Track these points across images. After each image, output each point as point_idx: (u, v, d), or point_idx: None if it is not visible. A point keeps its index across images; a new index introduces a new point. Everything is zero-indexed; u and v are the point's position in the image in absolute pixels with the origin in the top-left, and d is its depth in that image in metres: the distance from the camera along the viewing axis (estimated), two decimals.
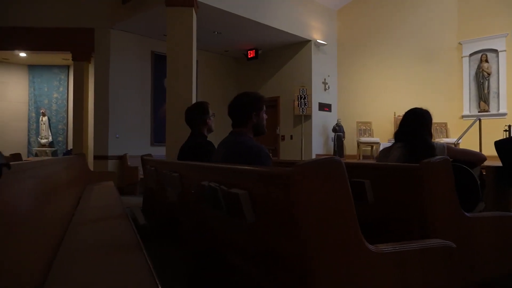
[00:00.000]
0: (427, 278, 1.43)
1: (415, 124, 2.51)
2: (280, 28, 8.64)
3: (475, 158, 2.43)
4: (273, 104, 10.12)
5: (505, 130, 6.39)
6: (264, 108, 2.27)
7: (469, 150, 2.68)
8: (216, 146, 2.38)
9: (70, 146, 9.94)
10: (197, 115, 2.98)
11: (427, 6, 9.52)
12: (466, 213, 1.96)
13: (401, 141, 2.54)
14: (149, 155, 7.32)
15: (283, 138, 9.96)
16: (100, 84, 7.98)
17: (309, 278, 1.18)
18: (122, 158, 8.23)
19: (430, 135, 2.53)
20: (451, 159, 2.06)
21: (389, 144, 2.66)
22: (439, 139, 8.71)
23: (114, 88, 8.08)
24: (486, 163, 2.54)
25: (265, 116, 2.28)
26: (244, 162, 1.93)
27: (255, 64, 10.40)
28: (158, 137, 8.73)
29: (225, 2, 7.27)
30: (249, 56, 10.00)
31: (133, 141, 8.43)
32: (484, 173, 2.57)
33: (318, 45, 9.62)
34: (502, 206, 2.61)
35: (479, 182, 2.29)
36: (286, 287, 1.31)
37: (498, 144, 2.60)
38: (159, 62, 8.74)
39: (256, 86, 10.60)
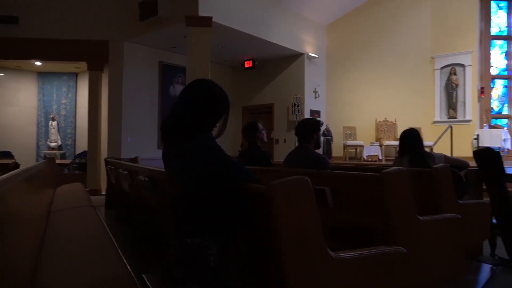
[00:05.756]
0: (384, 282, 1.60)
1: (413, 140, 3.51)
2: (277, 43, 9.56)
3: (463, 164, 3.47)
4: (268, 110, 11.07)
5: (474, 139, 7.53)
6: None
7: (459, 158, 3.72)
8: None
9: (78, 150, 10.49)
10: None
11: (405, 25, 10.71)
12: (420, 218, 2.22)
13: (406, 154, 3.51)
14: (137, 158, 8.03)
15: (277, 141, 10.91)
16: (114, 92, 8.64)
17: (285, 283, 1.34)
18: (134, 161, 8.91)
19: (423, 147, 3.55)
20: (449, 164, 3.09)
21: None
22: None
23: (126, 95, 8.76)
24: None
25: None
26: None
27: (251, 73, 11.27)
28: None
29: (233, 20, 8.13)
30: (246, 66, 10.87)
31: (143, 145, 9.12)
32: (467, 173, 3.62)
33: (310, 57, 10.64)
34: (478, 197, 3.66)
35: (464, 180, 3.33)
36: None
37: (476, 154, 3.64)
38: (166, 71, 9.50)
39: (252, 93, 11.52)
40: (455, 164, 3.41)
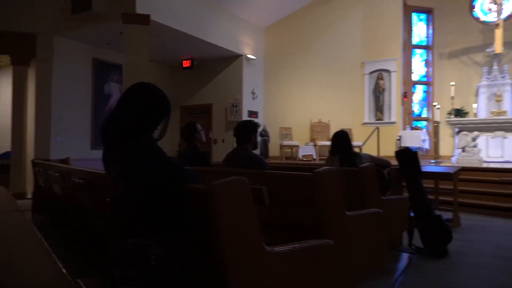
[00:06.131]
0: (315, 272, 1.73)
1: (344, 141, 3.79)
2: (216, 43, 9.63)
3: (385, 163, 3.81)
4: (207, 110, 11.09)
5: (397, 139, 8.18)
6: None
7: (382, 158, 4.08)
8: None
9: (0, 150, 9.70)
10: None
11: (338, 31, 11.30)
12: (348, 213, 2.41)
13: (338, 153, 3.79)
14: (68, 159, 7.73)
15: (215, 141, 10.97)
16: (42, 89, 8.14)
17: (224, 275, 1.43)
18: (64, 162, 8.46)
19: (352, 147, 3.85)
20: (374, 163, 3.39)
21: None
22: None
23: (56, 93, 8.28)
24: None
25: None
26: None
27: (190, 73, 11.21)
28: (98, 140, 9.09)
29: (172, 19, 8.05)
30: (184, 66, 10.80)
31: (74, 145, 8.69)
32: (390, 172, 3.99)
33: (248, 59, 10.84)
34: (399, 193, 4.04)
35: (387, 178, 3.67)
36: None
37: (397, 153, 4.02)
38: (100, 69, 9.13)
39: (191, 93, 11.46)
40: (379, 164, 3.74)
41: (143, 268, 1.51)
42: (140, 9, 7.20)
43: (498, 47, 9.54)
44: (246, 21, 10.93)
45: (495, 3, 9.83)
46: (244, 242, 1.48)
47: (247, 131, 3.22)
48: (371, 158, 3.68)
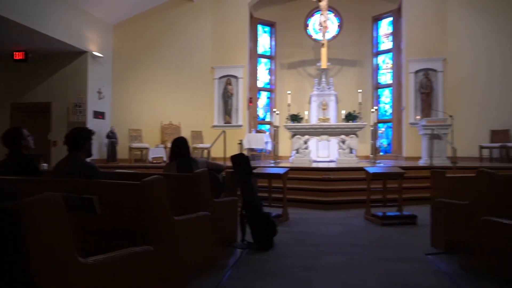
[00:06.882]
0: (135, 278, 1.76)
1: (182, 148, 3.99)
2: (55, 36, 8.82)
3: (221, 167, 4.14)
4: (45, 109, 10.03)
5: (239, 143, 8.81)
6: None
7: (217, 162, 4.40)
8: None
9: None
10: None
11: (189, 34, 11.54)
12: (175, 218, 2.54)
13: (176, 159, 3.96)
14: None
15: (55, 143, 10.00)
16: None
17: None
18: None
19: (190, 153, 4.08)
20: (209, 168, 3.67)
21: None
22: (196, 144, 10.86)
23: None
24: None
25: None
26: None
27: (24, 66, 9.96)
28: None
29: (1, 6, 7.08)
30: (15, 58, 9.55)
31: None
32: (224, 175, 4.35)
33: (95, 56, 10.20)
34: (234, 194, 4.44)
35: (221, 181, 4.00)
36: None
37: (232, 158, 4.40)
38: None
39: (25, 89, 10.20)
40: (214, 168, 4.05)
41: None
42: None
43: (323, 63, 11.15)
44: (92, 16, 10.29)
45: (321, 26, 11.44)
46: (56, 257, 1.48)
47: (80, 138, 3.12)
48: (206, 163, 3.95)
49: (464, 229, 3.15)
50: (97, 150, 10.48)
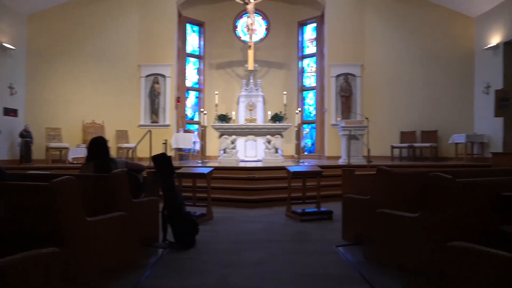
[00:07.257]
0: (39, 282, 1.72)
1: (101, 148, 3.89)
2: None
3: (141, 167, 4.10)
4: None
5: (163, 143, 8.72)
6: None
7: (137, 163, 4.34)
8: None
9: None
10: None
11: (114, 30, 11.11)
12: (88, 219, 2.54)
13: (94, 159, 3.85)
14: None
15: None
16: None
17: None
18: None
19: (109, 153, 3.98)
20: (128, 168, 3.62)
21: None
22: (121, 144, 10.50)
23: None
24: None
25: None
26: None
27: None
28: None
29: None
30: None
31: None
32: (146, 175, 4.30)
33: (5, 48, 9.39)
34: (155, 194, 4.41)
35: (142, 181, 3.97)
36: None
37: (153, 158, 4.37)
38: None
39: None
40: (134, 168, 4.00)
41: None
42: None
43: (250, 64, 11.42)
44: (2, 4, 9.45)
45: (248, 28, 11.70)
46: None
47: None
48: (126, 163, 3.89)
49: (367, 222, 3.47)
50: (8, 150, 9.68)
